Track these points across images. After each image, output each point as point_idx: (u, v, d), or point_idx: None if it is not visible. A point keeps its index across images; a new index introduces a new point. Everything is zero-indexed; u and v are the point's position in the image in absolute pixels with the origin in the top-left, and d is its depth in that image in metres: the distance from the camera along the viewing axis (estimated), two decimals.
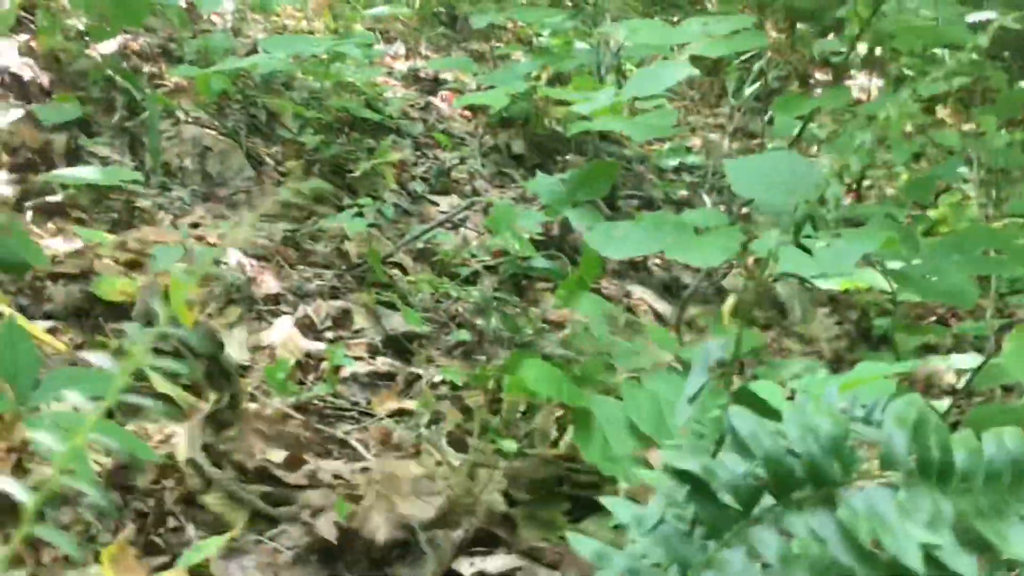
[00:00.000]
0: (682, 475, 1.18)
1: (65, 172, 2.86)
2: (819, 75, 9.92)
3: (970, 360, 3.41)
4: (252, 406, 2.73)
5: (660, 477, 1.21)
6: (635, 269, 4.46)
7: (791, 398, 2.10)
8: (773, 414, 1.25)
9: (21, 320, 2.46)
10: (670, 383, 2.18)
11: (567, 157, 5.31)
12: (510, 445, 2.43)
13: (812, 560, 1.14)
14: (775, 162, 2.47)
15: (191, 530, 2.23)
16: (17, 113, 3.38)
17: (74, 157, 3.54)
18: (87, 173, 2.83)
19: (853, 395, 1.45)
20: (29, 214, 3.24)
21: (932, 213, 5.15)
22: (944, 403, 2.97)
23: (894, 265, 2.55)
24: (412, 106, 5.60)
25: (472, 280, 3.81)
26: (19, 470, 2.09)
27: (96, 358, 0.98)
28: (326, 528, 2.25)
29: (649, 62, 6.09)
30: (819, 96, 3.23)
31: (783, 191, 2.35)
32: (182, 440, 2.39)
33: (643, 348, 2.51)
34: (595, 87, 3.18)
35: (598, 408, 2.23)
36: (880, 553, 1.11)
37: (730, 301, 1.20)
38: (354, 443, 2.71)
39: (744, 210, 5.55)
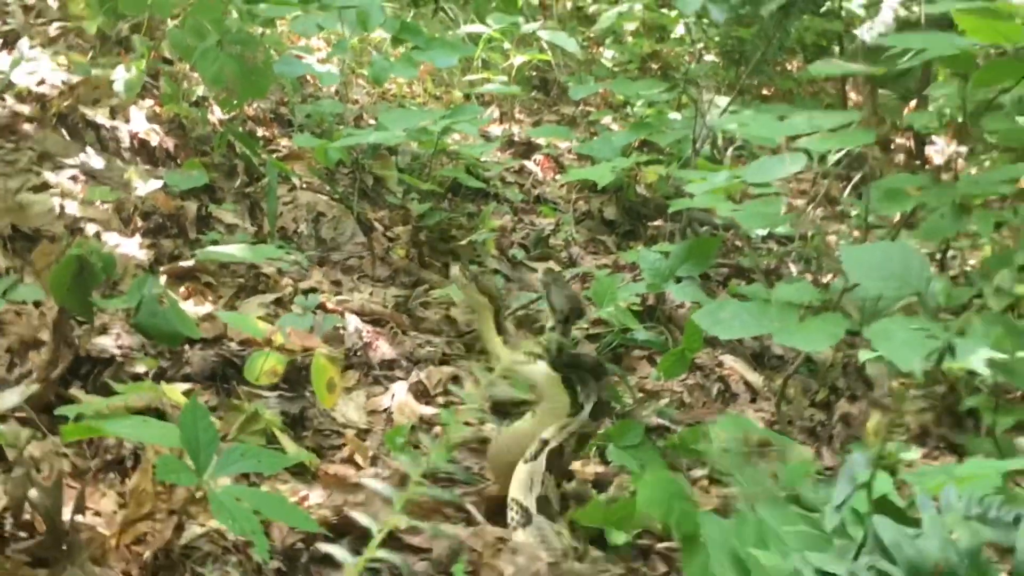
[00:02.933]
0: None
1: (219, 249, 3.04)
2: (899, 140, 9.99)
3: None
4: (374, 469, 2.90)
5: None
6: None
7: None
8: (910, 521, 1.39)
9: (165, 387, 2.64)
10: (781, 515, 2.17)
11: (657, 223, 5.45)
12: (618, 538, 2.48)
13: None
14: (889, 253, 2.61)
15: None
16: (157, 184, 3.58)
17: (203, 223, 3.75)
18: (237, 251, 3.01)
19: (968, 495, 1.58)
20: (163, 278, 3.44)
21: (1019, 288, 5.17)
22: None
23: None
24: (508, 170, 5.77)
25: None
26: (177, 530, 2.27)
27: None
28: None
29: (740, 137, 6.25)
30: (921, 192, 3.34)
31: (896, 282, 2.49)
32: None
33: (765, 477, 2.50)
34: (712, 168, 3.29)
35: (707, 529, 2.24)
36: None
37: (873, 421, 1.33)
38: (469, 507, 2.86)
39: (829, 278, 5.63)
